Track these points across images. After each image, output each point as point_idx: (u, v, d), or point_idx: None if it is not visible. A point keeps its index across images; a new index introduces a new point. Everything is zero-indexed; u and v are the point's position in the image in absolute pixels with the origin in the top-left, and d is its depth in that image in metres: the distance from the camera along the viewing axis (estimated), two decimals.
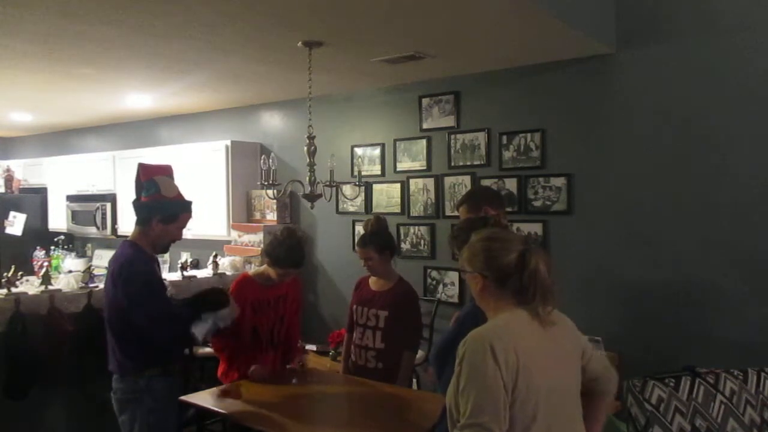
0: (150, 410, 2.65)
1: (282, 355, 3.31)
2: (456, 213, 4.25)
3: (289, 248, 3.08)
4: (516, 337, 1.63)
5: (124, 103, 5.67)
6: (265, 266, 3.21)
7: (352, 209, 5.05)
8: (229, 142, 5.46)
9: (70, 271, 4.70)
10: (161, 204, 2.71)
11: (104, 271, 5.05)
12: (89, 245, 7.25)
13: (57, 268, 5.57)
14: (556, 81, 4.01)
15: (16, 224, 6.94)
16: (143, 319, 2.58)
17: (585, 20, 3.45)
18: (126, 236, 6.76)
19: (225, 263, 5.12)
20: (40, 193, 7.43)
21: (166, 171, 2.82)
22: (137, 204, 2.75)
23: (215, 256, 5.04)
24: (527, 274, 1.68)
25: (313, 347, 4.63)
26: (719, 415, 2.30)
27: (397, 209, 4.79)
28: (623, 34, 3.72)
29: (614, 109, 3.79)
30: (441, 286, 4.56)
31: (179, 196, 2.81)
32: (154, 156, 6.04)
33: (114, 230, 6.42)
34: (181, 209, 2.78)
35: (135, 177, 2.76)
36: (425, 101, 4.64)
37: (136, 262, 2.65)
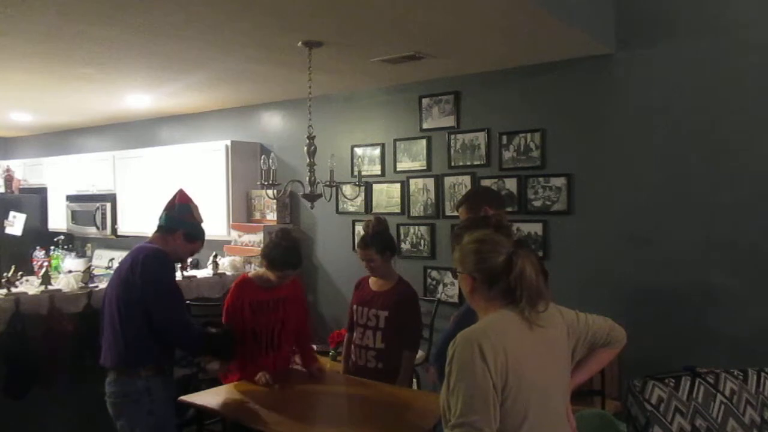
0: (149, 411, 2.64)
1: (301, 357, 3.37)
2: (456, 213, 4.25)
3: (284, 250, 3.08)
4: (504, 336, 1.64)
5: (124, 103, 5.67)
6: (264, 269, 3.20)
7: (352, 209, 5.05)
8: (229, 142, 5.47)
9: (70, 271, 4.70)
10: (190, 222, 2.90)
11: (104, 271, 5.09)
12: (89, 245, 7.25)
13: (57, 268, 5.57)
14: (556, 81, 4.02)
15: (16, 224, 6.94)
16: (163, 316, 2.62)
17: (585, 20, 3.45)
18: (126, 236, 6.74)
19: (225, 263, 5.12)
20: (40, 193, 7.42)
21: (196, 205, 3.01)
22: (169, 214, 2.88)
23: (215, 256, 5.05)
24: (514, 276, 1.70)
25: (314, 347, 4.62)
26: (719, 415, 2.30)
27: (397, 209, 4.80)
28: (623, 34, 3.73)
29: (614, 109, 3.79)
30: (441, 286, 4.57)
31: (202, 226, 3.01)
32: (154, 156, 6.06)
33: (114, 230, 6.42)
34: (201, 235, 2.96)
35: (170, 198, 2.94)
36: (425, 101, 4.64)
37: (166, 261, 2.74)
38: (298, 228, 5.43)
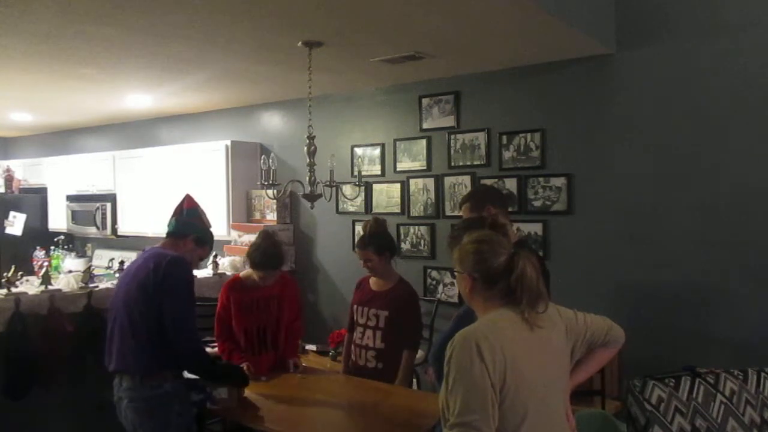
0: (179, 413, 2.60)
1: (284, 349, 3.34)
2: (456, 213, 4.25)
3: (263, 252, 3.15)
4: (503, 336, 1.64)
5: (124, 103, 5.67)
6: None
7: (352, 209, 5.05)
8: (229, 142, 5.47)
9: (70, 271, 4.70)
10: (200, 227, 2.86)
11: (104, 271, 5.08)
12: (89, 245, 7.25)
13: (57, 268, 5.57)
14: (556, 81, 4.02)
15: (16, 224, 6.94)
16: (173, 317, 2.53)
17: (585, 20, 3.45)
18: (126, 236, 6.71)
19: (225, 263, 5.11)
20: (40, 193, 7.42)
21: (203, 210, 2.97)
22: (180, 219, 2.83)
23: (215, 256, 5.04)
24: (515, 277, 1.70)
25: (313, 347, 4.63)
26: (719, 415, 2.30)
27: (397, 209, 4.80)
28: (623, 34, 3.73)
29: (614, 109, 3.79)
30: (441, 286, 4.56)
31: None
32: (154, 156, 6.06)
33: (114, 230, 6.42)
34: (210, 240, 2.91)
35: (178, 203, 2.91)
36: (425, 101, 4.64)
37: (189, 269, 2.68)
38: (297, 228, 5.43)
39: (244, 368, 3.06)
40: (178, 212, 2.86)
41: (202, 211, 2.92)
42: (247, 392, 2.91)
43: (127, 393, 2.58)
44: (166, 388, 2.58)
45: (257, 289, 3.24)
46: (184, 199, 2.93)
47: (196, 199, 2.96)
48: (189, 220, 2.83)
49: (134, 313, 2.58)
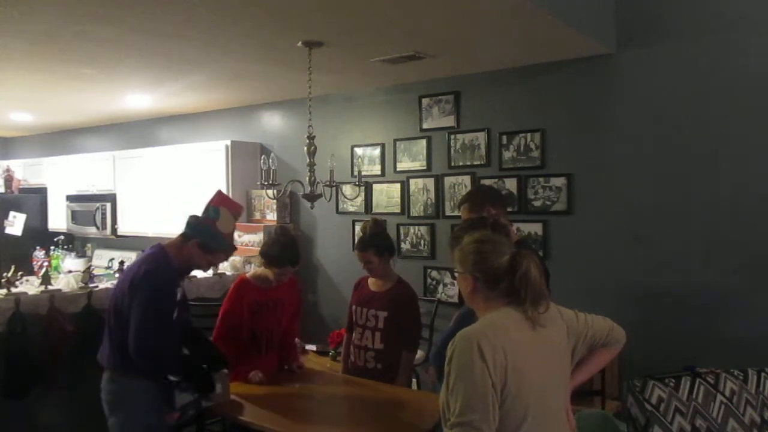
0: (147, 410, 2.61)
1: (284, 354, 3.31)
2: (456, 213, 4.25)
3: (282, 247, 3.08)
4: (504, 336, 1.64)
5: (124, 103, 5.67)
6: (262, 268, 3.20)
7: (352, 209, 5.05)
8: (229, 142, 5.47)
9: (70, 271, 4.70)
10: (209, 231, 2.71)
11: (104, 271, 5.09)
12: (89, 245, 7.25)
13: (57, 268, 5.57)
14: (556, 81, 4.02)
15: (16, 224, 6.94)
16: (135, 325, 2.51)
17: (585, 20, 3.45)
18: (126, 236, 6.70)
19: (225, 263, 5.11)
20: (40, 193, 7.42)
21: (236, 210, 2.83)
22: (192, 218, 2.75)
23: None
24: (518, 277, 1.69)
25: (313, 347, 4.63)
26: (719, 415, 2.30)
27: (397, 209, 4.80)
28: (623, 34, 3.73)
29: (614, 109, 3.80)
30: (441, 286, 4.56)
31: (229, 236, 2.81)
32: (154, 156, 6.06)
33: (114, 230, 6.42)
34: (221, 247, 2.78)
35: (209, 198, 2.79)
36: (425, 101, 4.64)
37: (165, 271, 2.62)
38: (297, 227, 5.43)
39: (256, 376, 3.05)
40: (205, 209, 2.76)
41: (228, 213, 2.77)
42: (248, 393, 2.91)
43: (104, 386, 2.65)
44: (135, 385, 2.59)
45: (267, 290, 3.17)
46: (214, 195, 2.81)
47: (227, 197, 2.83)
48: (201, 222, 2.72)
49: (114, 310, 2.63)
